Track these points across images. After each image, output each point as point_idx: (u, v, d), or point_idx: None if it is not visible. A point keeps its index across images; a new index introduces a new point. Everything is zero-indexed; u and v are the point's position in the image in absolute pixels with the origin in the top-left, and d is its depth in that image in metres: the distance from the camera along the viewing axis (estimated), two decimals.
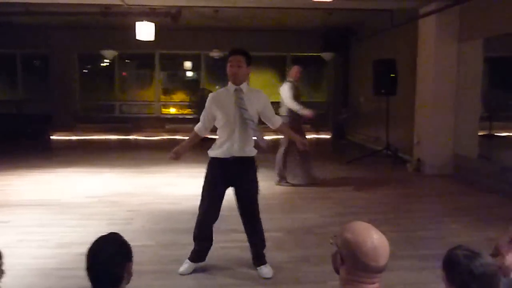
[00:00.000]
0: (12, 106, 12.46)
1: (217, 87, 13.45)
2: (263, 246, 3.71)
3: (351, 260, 1.58)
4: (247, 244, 4.22)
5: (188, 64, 14.08)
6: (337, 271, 1.70)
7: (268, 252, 4.04)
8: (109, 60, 12.41)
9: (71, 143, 11.14)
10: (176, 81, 14.34)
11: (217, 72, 13.80)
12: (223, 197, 3.62)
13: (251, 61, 3.53)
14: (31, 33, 11.64)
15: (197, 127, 3.63)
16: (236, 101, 3.41)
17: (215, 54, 12.17)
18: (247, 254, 3.99)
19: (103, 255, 1.78)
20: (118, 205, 5.42)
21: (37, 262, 3.78)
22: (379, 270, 1.57)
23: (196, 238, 3.67)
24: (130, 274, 1.84)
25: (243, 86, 3.47)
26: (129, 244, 1.88)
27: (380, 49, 9.70)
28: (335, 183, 6.85)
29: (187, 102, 12.60)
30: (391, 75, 8.15)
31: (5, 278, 3.31)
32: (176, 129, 11.86)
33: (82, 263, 3.65)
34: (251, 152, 3.53)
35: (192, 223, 4.78)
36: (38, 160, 8.40)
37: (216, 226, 4.75)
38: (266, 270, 3.57)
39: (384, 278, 1.63)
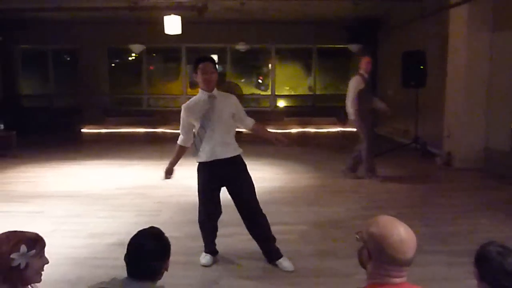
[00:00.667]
0: (44, 100, 12.84)
1: (242, 80, 13.50)
2: (273, 239, 3.71)
3: (378, 254, 1.58)
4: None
5: (214, 57, 14.15)
6: (364, 266, 1.70)
7: (294, 245, 4.07)
8: (137, 54, 12.59)
9: (101, 136, 11.40)
10: None
11: (243, 65, 13.83)
12: (219, 195, 3.73)
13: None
14: (62, 29, 11.92)
15: (180, 141, 3.71)
16: (211, 107, 3.48)
17: (241, 47, 12.19)
18: None
19: (146, 250, 1.82)
20: (146, 197, 5.53)
21: (71, 251, 3.91)
22: (407, 263, 1.57)
23: (204, 238, 3.79)
24: (166, 270, 1.89)
25: (215, 92, 3.55)
26: (169, 241, 1.92)
27: (409, 41, 9.50)
28: (362, 176, 6.76)
29: None
30: (421, 66, 7.99)
31: None
32: None
33: (113, 253, 3.77)
34: (235, 151, 3.59)
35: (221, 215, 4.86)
36: (69, 153, 8.65)
37: (237, 219, 4.82)
38: (286, 264, 3.57)
39: (413, 273, 1.63)
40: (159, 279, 1.88)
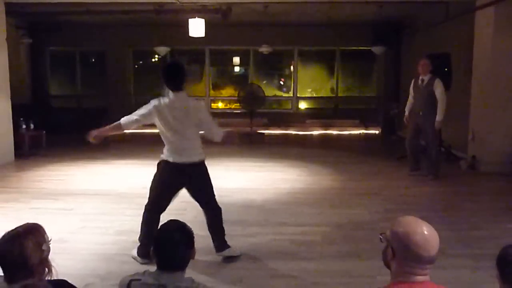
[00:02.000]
0: (72, 100, 13.17)
1: (264, 82, 13.56)
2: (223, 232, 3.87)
3: (402, 252, 1.62)
4: (297, 236, 4.33)
5: (237, 60, 14.26)
6: (388, 266, 1.73)
7: (317, 246, 4.11)
8: (162, 56, 12.79)
9: (126, 136, 11.60)
10: (225, 76, 14.57)
11: (266, 68, 13.90)
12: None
13: None
14: (89, 31, 12.22)
15: (125, 121, 3.71)
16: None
17: (264, 49, 12.25)
18: (297, 247, 4.09)
19: (174, 241, 1.90)
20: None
21: (99, 247, 4.04)
22: (430, 261, 1.61)
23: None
24: (193, 258, 1.98)
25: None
26: (192, 231, 2.00)
27: (434, 43, 9.40)
28: (385, 179, 6.75)
29: (235, 97, 12.77)
30: (445, 69, 7.90)
31: (71, 262, 3.59)
32: (225, 123, 12.07)
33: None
34: (200, 157, 3.68)
35: (243, 215, 4.96)
36: (96, 152, 8.84)
37: (266, 218, 4.88)
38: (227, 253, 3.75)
39: (437, 276, 1.66)
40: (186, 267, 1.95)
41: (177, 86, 3.57)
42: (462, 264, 3.67)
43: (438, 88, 6.37)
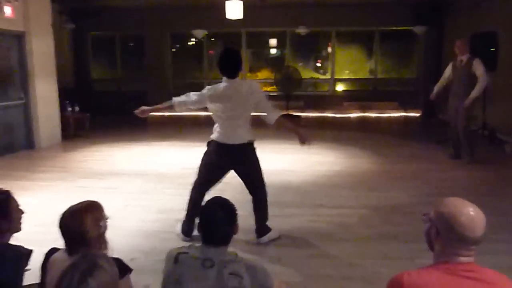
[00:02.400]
0: (113, 84, 13.55)
1: (300, 64, 13.44)
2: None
3: (447, 232, 1.62)
4: (334, 218, 4.35)
5: (273, 42, 14.18)
6: (431, 246, 1.73)
7: (354, 228, 4.13)
8: (199, 39, 12.89)
9: (164, 119, 11.89)
10: (261, 58, 14.54)
11: (302, 49, 13.75)
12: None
13: None
14: (128, 16, 12.46)
15: (178, 101, 3.75)
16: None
17: (302, 30, 12.12)
18: (333, 228, 4.12)
19: (218, 217, 1.98)
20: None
21: (142, 224, 4.21)
22: (475, 242, 1.60)
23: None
24: (235, 233, 2.05)
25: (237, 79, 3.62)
26: (235, 206, 2.08)
27: (479, 21, 9.01)
28: (425, 163, 6.62)
29: (271, 79, 12.76)
30: (491, 49, 7.58)
31: (117, 237, 3.76)
32: None
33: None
34: (249, 138, 3.68)
35: (280, 197, 5.02)
36: (136, 134, 9.14)
37: (302, 200, 4.93)
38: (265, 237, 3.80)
39: (479, 261, 1.65)
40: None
41: (230, 73, 3.57)
42: (504, 250, 3.60)
43: (479, 69, 6.10)
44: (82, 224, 1.94)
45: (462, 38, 6.63)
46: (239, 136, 3.63)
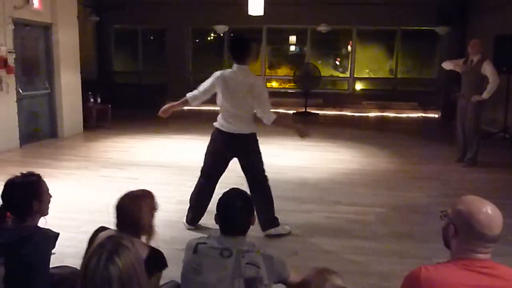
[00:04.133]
0: (134, 77, 13.74)
1: (319, 62, 13.42)
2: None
3: (465, 230, 1.65)
4: (351, 215, 4.39)
5: (293, 39, 14.19)
6: (447, 244, 1.76)
7: (371, 226, 4.16)
8: (221, 34, 12.97)
9: (184, 113, 12.01)
10: (281, 55, 14.56)
11: (322, 47, 13.73)
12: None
13: None
14: (151, 10, 12.62)
15: (191, 96, 3.88)
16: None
17: (323, 28, 12.10)
18: (350, 225, 4.16)
19: (237, 208, 2.05)
20: (229, 171, 5.74)
21: (163, 214, 4.22)
22: (493, 239, 1.63)
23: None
24: (252, 224, 2.12)
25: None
26: (251, 199, 2.15)
27: (504, 23, 8.89)
28: (443, 164, 6.59)
29: (291, 76, 12.78)
30: None
31: None
32: (279, 103, 12.14)
33: (202, 219, 4.07)
34: (251, 130, 3.74)
35: (298, 193, 5.07)
36: (157, 127, 9.26)
37: (320, 196, 4.97)
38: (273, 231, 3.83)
39: (495, 262, 1.68)
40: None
41: (240, 58, 3.66)
42: None
43: (489, 70, 5.99)
44: (140, 210, 2.05)
45: (480, 39, 6.54)
46: (239, 125, 3.69)
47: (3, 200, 2.20)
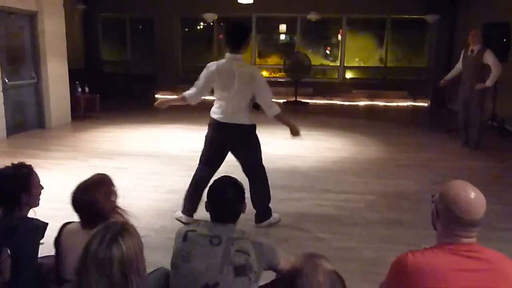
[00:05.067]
0: (122, 66, 13.59)
1: (310, 50, 13.38)
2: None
3: (445, 213, 1.68)
4: (341, 203, 4.41)
5: (283, 27, 14.11)
6: (434, 227, 1.78)
7: (361, 212, 4.18)
8: (210, 23, 12.85)
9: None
10: (271, 44, 14.48)
11: (312, 36, 13.68)
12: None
13: None
14: None
15: (188, 94, 3.80)
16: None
17: (313, 16, 12.04)
18: (340, 212, 4.18)
19: (228, 195, 2.03)
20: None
21: (153, 204, 4.30)
22: (472, 224, 1.64)
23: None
24: (243, 213, 2.11)
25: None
26: (244, 187, 2.13)
27: (492, 11, 8.91)
28: (433, 152, 6.64)
29: (281, 65, 12.73)
30: (504, 40, 7.52)
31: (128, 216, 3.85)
32: None
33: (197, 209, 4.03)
34: (248, 120, 3.70)
35: (288, 181, 5.08)
36: (145, 117, 9.20)
37: (310, 185, 4.99)
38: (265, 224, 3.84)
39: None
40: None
41: (236, 47, 3.57)
42: (510, 238, 3.63)
43: (490, 59, 6.19)
44: (95, 200, 2.01)
45: (476, 28, 6.61)
46: (237, 115, 3.64)
47: None
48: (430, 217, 1.80)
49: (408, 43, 13.40)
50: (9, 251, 2.02)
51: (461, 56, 6.65)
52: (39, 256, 2.22)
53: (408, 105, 12.00)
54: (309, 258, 1.32)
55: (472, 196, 1.65)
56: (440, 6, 11.04)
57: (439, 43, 12.03)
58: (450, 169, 5.69)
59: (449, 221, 1.66)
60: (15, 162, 2.29)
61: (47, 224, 2.26)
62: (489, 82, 6.22)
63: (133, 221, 2.09)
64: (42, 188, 2.33)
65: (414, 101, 12.10)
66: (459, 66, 6.70)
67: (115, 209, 2.10)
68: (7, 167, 2.22)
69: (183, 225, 3.67)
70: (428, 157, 6.31)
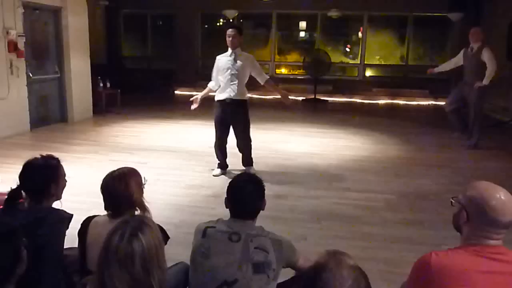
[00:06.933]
0: (143, 62, 13.72)
1: (329, 48, 13.28)
2: (250, 153, 5.15)
3: (478, 216, 1.64)
4: (360, 202, 4.39)
5: (303, 24, 14.03)
6: (459, 230, 1.75)
7: (380, 212, 4.15)
8: (231, 19, 12.85)
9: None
10: (291, 41, 14.42)
11: (333, 33, 13.56)
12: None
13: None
14: None
15: (211, 84, 5.08)
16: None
17: (333, 13, 11.96)
18: (360, 211, 4.16)
19: (248, 192, 2.04)
20: (237, 156, 5.82)
21: (173, 198, 4.34)
22: (507, 225, 1.62)
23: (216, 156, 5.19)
24: (263, 209, 2.11)
25: (237, 50, 4.85)
26: (264, 184, 2.13)
27: None
28: (454, 152, 6.54)
29: (300, 62, 12.68)
30: None
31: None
32: (288, 89, 12.05)
33: (210, 203, 4.14)
34: (241, 97, 4.87)
35: (306, 178, 5.09)
36: (166, 112, 9.29)
37: (329, 183, 4.98)
38: (251, 169, 5.03)
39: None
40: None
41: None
42: None
43: (486, 56, 6.16)
44: (128, 187, 2.04)
45: (476, 26, 6.75)
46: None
47: (21, 181, 2.20)
48: (451, 219, 1.78)
49: (429, 41, 13.18)
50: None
51: (461, 54, 6.66)
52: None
53: (429, 104, 11.83)
54: (332, 254, 1.32)
55: (505, 197, 1.62)
56: (464, 4, 10.82)
57: (462, 41, 11.75)
58: (470, 170, 5.60)
59: (483, 223, 1.63)
60: (46, 154, 2.33)
61: (72, 215, 2.30)
62: (485, 80, 6.17)
63: (153, 215, 2.13)
64: (66, 181, 2.38)
65: (435, 100, 11.92)
66: (453, 60, 6.78)
67: (142, 201, 2.14)
68: (36, 158, 2.26)
69: (202, 220, 3.70)
70: (448, 157, 6.21)
